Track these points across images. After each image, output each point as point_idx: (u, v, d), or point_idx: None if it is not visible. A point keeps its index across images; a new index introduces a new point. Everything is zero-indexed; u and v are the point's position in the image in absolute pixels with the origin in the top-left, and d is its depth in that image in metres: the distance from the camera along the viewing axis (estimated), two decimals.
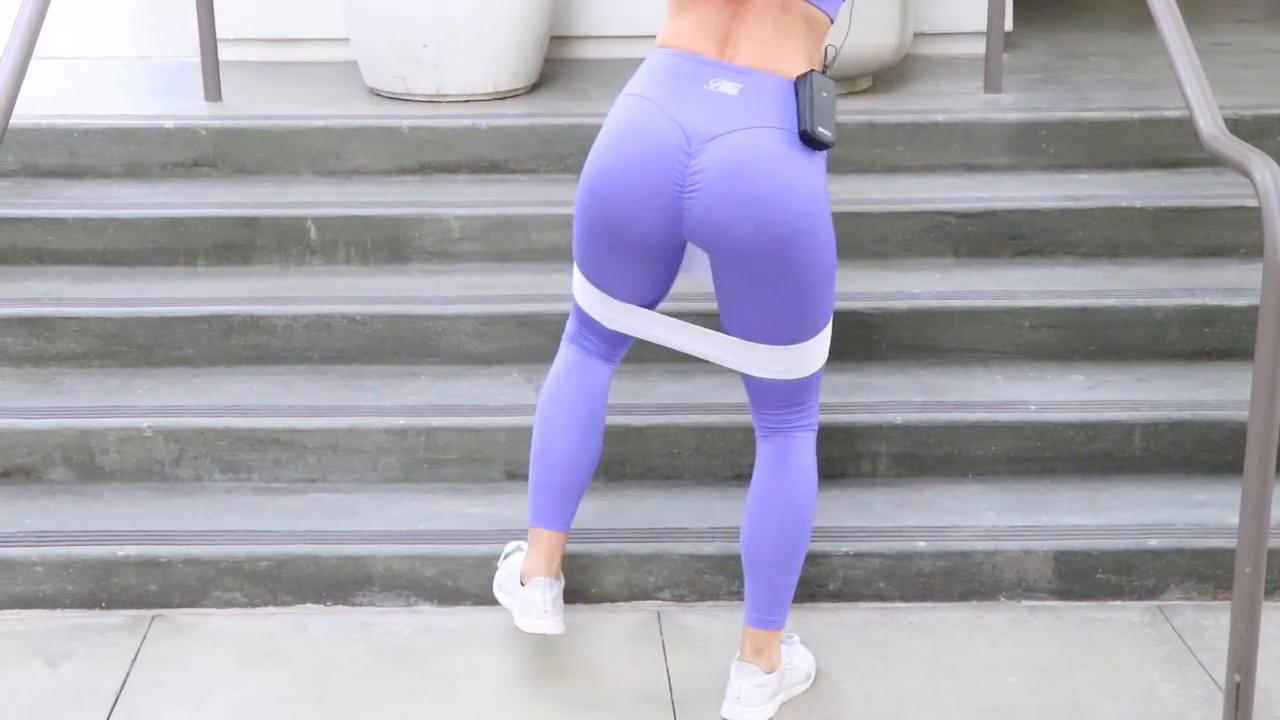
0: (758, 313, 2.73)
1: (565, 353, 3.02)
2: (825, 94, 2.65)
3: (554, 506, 2.99)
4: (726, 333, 2.81)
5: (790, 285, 2.69)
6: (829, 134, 2.63)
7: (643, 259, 2.77)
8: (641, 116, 2.68)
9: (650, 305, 2.88)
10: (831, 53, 2.77)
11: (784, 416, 2.87)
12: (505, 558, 3.16)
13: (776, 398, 2.85)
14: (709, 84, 2.65)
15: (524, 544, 3.14)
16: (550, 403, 3.00)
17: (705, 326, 2.88)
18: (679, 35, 2.72)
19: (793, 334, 2.76)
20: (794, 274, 2.68)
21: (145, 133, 4.17)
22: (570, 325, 3.02)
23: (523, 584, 2.98)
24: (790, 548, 2.89)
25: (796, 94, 2.66)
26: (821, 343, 2.81)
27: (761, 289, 2.70)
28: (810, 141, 2.63)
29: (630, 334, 2.92)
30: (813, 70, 2.67)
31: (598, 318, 2.91)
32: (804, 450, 2.88)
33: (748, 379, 2.86)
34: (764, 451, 2.90)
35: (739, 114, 2.63)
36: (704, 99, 2.64)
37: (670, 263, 2.80)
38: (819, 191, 2.67)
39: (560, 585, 3.02)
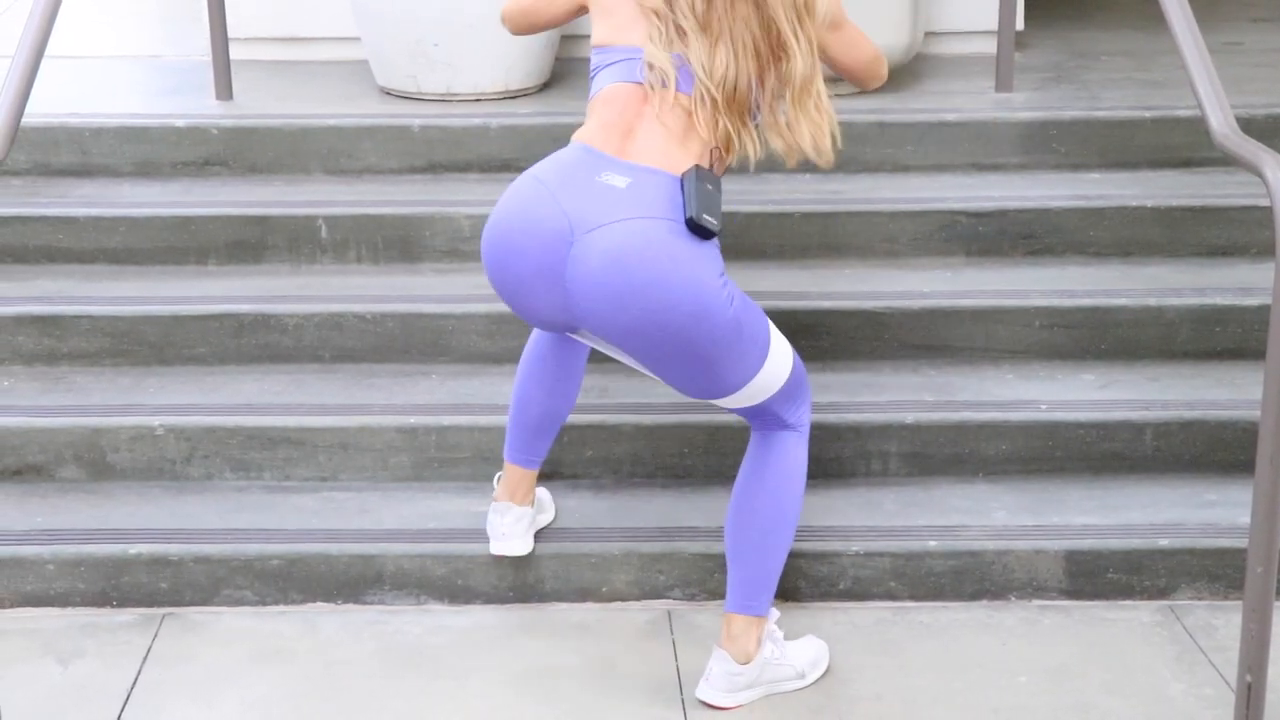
0: (675, 379, 2.81)
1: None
2: (710, 186, 2.71)
3: (524, 444, 3.18)
4: None
5: (695, 361, 2.73)
6: (713, 221, 2.68)
7: (548, 325, 2.85)
8: (532, 200, 2.73)
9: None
10: (730, 158, 2.80)
11: (759, 423, 2.93)
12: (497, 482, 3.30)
13: (744, 415, 2.92)
14: (600, 176, 2.70)
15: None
16: (530, 354, 3.16)
17: None
18: (588, 131, 2.80)
19: (712, 392, 2.82)
20: (695, 352, 2.71)
21: (156, 132, 4.18)
22: None
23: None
24: (768, 534, 2.92)
25: (682, 188, 2.71)
26: (764, 379, 2.81)
27: (666, 364, 2.76)
28: (696, 230, 2.68)
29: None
30: (696, 165, 2.72)
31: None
32: (787, 447, 2.92)
33: None
34: (751, 442, 2.96)
35: (624, 206, 2.68)
36: (593, 190, 2.70)
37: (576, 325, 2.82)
38: (707, 276, 2.68)
39: (524, 510, 3.20)
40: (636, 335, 2.70)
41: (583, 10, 2.99)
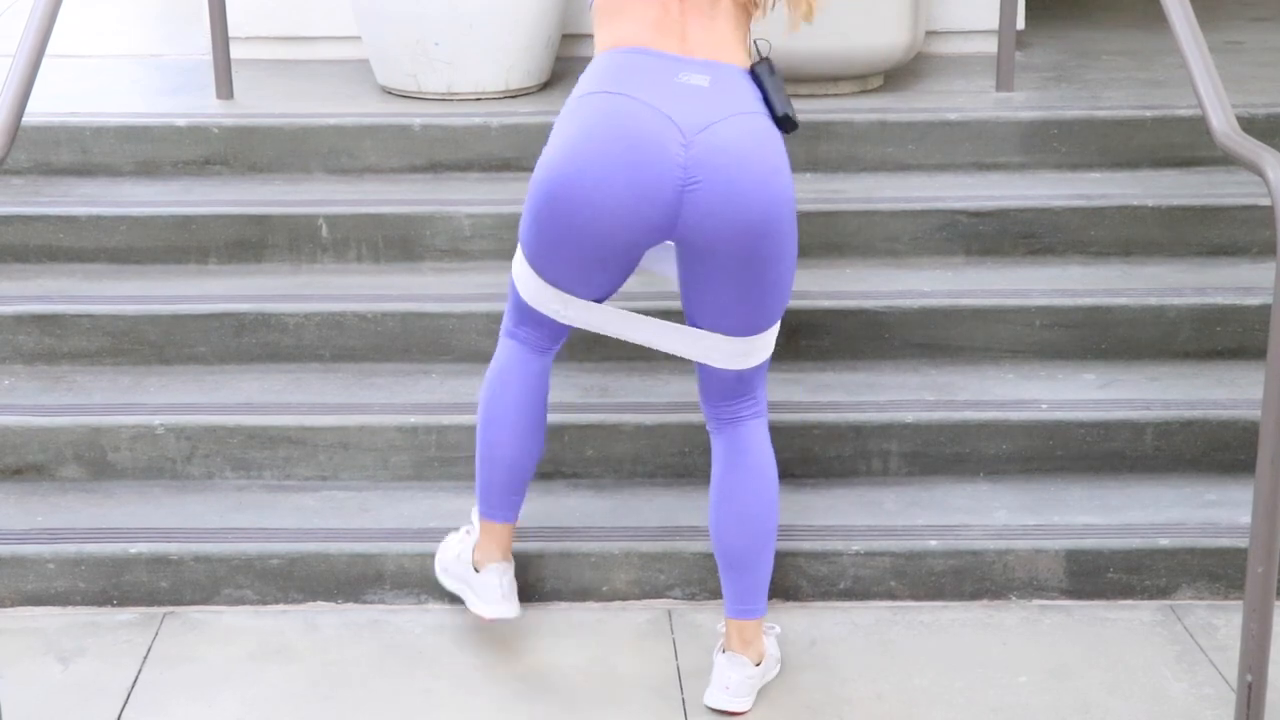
0: (728, 303, 2.77)
1: (503, 350, 3.02)
2: (778, 77, 2.73)
3: (503, 500, 3.05)
4: (689, 324, 2.84)
5: (769, 271, 2.74)
6: (794, 116, 2.72)
7: (613, 257, 2.76)
8: (624, 110, 2.65)
9: (603, 299, 2.90)
10: (764, 46, 2.79)
11: (735, 406, 2.92)
12: (444, 542, 3.18)
13: (729, 387, 2.89)
14: (679, 77, 2.67)
15: (469, 529, 3.16)
16: (491, 401, 3.01)
17: (657, 317, 2.92)
18: (631, 35, 2.72)
19: (757, 323, 2.81)
20: (774, 258, 2.73)
21: (157, 131, 4.18)
22: (508, 320, 3.01)
23: (477, 570, 3.04)
24: (763, 535, 2.93)
25: (756, 82, 2.72)
26: (775, 330, 2.87)
27: (739, 279, 2.73)
28: (783, 125, 2.70)
29: (582, 327, 2.92)
30: (765, 57, 2.74)
31: (549, 313, 2.89)
32: (757, 436, 2.92)
33: (702, 370, 2.90)
34: (718, 445, 2.95)
35: (719, 104, 2.66)
36: (680, 92, 2.66)
37: (637, 260, 2.82)
38: (790, 175, 2.75)
39: (512, 569, 3.07)
40: (741, 240, 2.67)
41: None
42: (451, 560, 3.13)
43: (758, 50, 2.78)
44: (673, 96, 2.65)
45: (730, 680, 2.91)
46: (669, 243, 2.82)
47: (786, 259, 2.76)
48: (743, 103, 2.68)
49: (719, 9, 2.73)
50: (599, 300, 2.88)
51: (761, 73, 2.73)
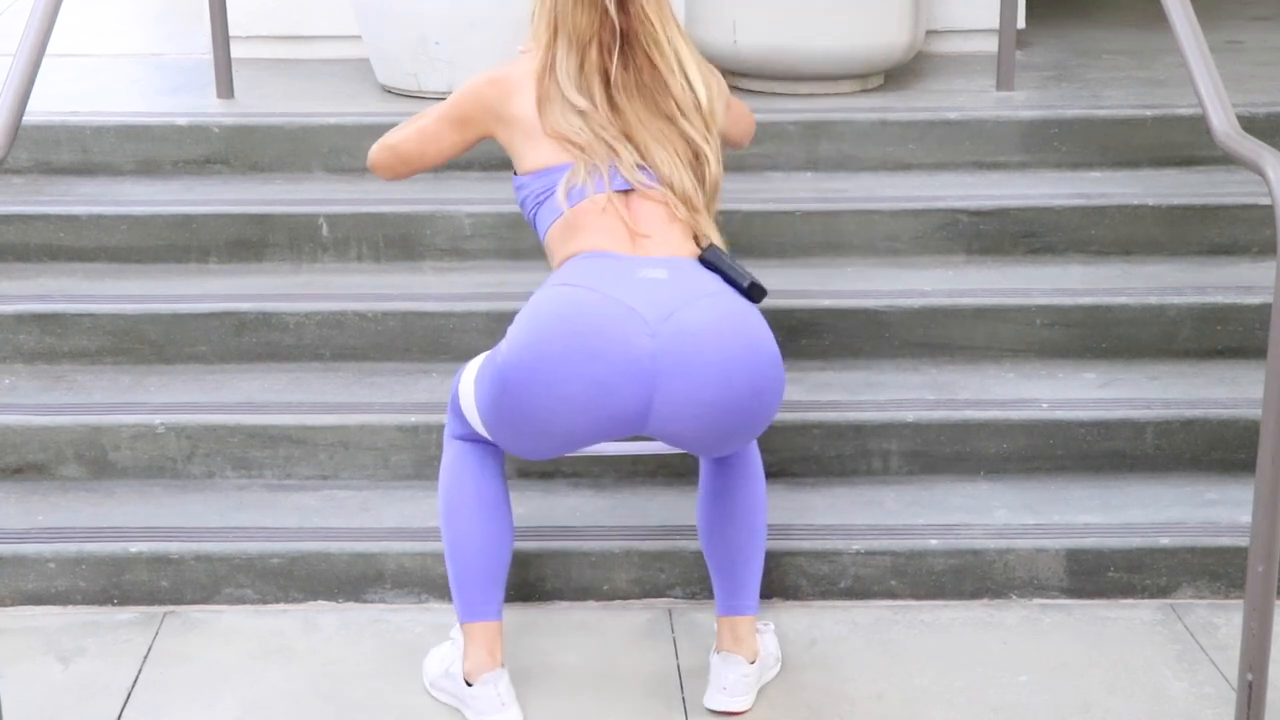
0: (719, 444, 2.77)
1: (451, 451, 2.91)
2: (731, 256, 2.75)
3: (483, 596, 2.87)
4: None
5: (754, 423, 2.72)
6: (762, 286, 2.72)
7: (571, 447, 2.74)
8: (585, 303, 2.61)
9: None
10: (704, 240, 2.79)
11: None
12: (429, 657, 3.04)
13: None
14: (638, 273, 2.66)
15: (453, 640, 3.02)
16: (450, 493, 2.89)
17: None
18: (585, 243, 2.72)
19: (746, 442, 2.83)
20: (762, 414, 2.70)
21: (157, 130, 4.18)
22: (454, 428, 2.91)
23: (469, 684, 2.86)
24: (748, 531, 2.93)
25: (708, 266, 2.73)
26: None
27: (729, 432, 2.71)
28: (753, 295, 2.71)
29: None
30: (710, 244, 2.75)
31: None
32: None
33: None
34: None
35: (681, 291, 2.65)
36: (641, 285, 2.64)
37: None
38: (773, 339, 2.72)
39: (506, 675, 2.88)
40: (726, 419, 2.65)
41: (471, 146, 2.97)
42: (439, 676, 2.95)
43: (698, 243, 2.78)
44: (633, 289, 2.62)
45: (727, 680, 2.90)
46: None
47: (766, 412, 2.72)
48: (705, 286, 2.67)
49: (666, 220, 2.75)
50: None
51: (711, 257, 2.72)
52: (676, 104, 2.78)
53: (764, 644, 3.01)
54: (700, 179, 2.78)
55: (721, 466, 2.93)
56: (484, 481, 2.88)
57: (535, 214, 2.84)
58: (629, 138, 2.76)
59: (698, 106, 2.79)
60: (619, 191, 2.74)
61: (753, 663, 2.93)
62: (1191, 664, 3.07)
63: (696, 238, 2.77)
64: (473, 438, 2.89)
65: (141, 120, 4.21)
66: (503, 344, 2.68)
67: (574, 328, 2.59)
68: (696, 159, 2.79)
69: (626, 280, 2.64)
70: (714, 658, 2.95)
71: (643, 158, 2.75)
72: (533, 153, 2.82)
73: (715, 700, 2.91)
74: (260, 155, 4.18)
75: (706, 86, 2.82)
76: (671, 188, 2.74)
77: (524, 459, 2.86)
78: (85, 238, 3.93)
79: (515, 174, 2.89)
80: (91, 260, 3.94)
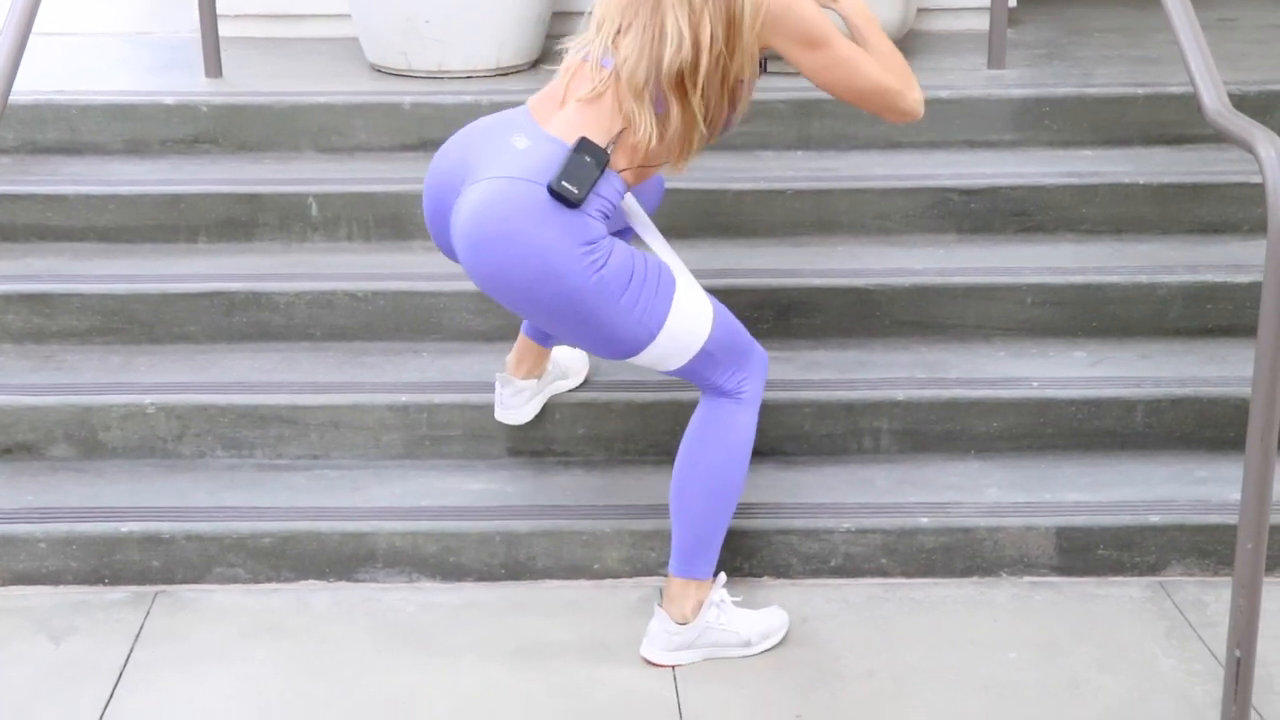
0: (560, 336, 2.95)
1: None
2: (588, 159, 2.74)
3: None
4: None
5: (559, 321, 2.81)
6: (572, 190, 2.72)
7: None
8: (451, 147, 2.91)
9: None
10: (637, 139, 2.80)
11: (703, 390, 2.95)
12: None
13: (683, 378, 2.94)
14: (511, 138, 2.80)
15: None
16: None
17: None
18: (535, 95, 2.91)
19: (610, 352, 2.86)
20: (554, 312, 2.79)
21: (145, 109, 4.17)
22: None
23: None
24: (707, 502, 2.95)
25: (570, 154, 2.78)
26: (666, 345, 2.82)
27: (537, 320, 2.88)
28: (556, 196, 2.72)
29: None
30: (583, 138, 2.75)
31: None
32: (728, 416, 2.93)
33: None
34: (700, 405, 2.98)
35: (508, 166, 2.76)
36: (497, 148, 2.80)
37: None
38: (561, 242, 2.71)
39: (526, 384, 3.35)
40: (496, 286, 2.80)
41: None
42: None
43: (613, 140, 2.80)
44: (487, 150, 2.81)
45: (651, 629, 3.00)
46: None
47: (566, 316, 2.77)
48: (526, 170, 2.74)
49: (590, 99, 2.78)
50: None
51: (575, 147, 2.74)
52: None
53: (725, 618, 3.02)
54: (692, 63, 2.72)
55: (695, 422, 2.95)
56: None
57: None
58: (636, 8, 2.76)
59: None
60: (594, 63, 2.80)
61: (680, 624, 2.97)
62: (1180, 641, 3.08)
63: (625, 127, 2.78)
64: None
65: (129, 99, 4.19)
66: None
67: (436, 166, 2.92)
68: (694, 44, 2.71)
69: (496, 139, 2.81)
70: (655, 609, 3.04)
71: (620, 37, 2.77)
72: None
73: (642, 646, 3.02)
74: (249, 134, 4.17)
75: None
76: (619, 71, 2.76)
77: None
78: (73, 217, 3.92)
79: None
80: (80, 240, 3.93)
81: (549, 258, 2.72)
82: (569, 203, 2.71)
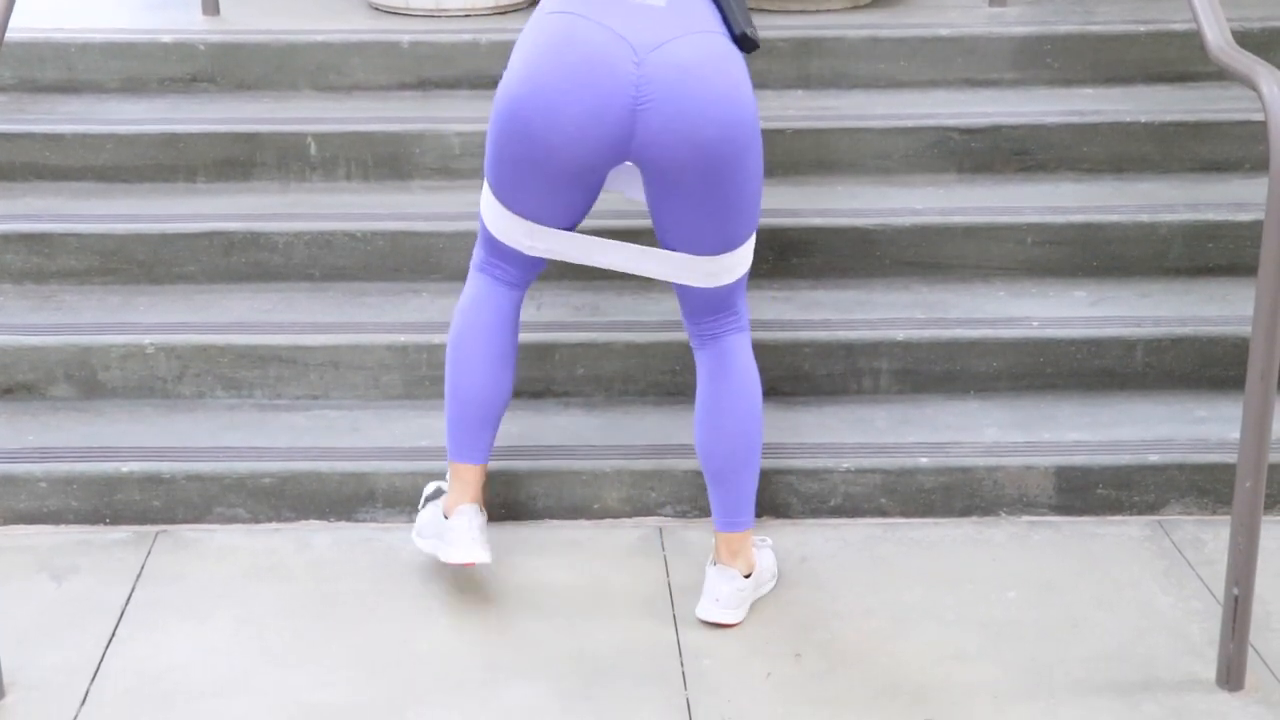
0: (695, 222, 2.76)
1: (472, 283, 2.98)
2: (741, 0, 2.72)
3: (472, 440, 2.98)
4: (659, 245, 2.84)
5: (730, 189, 2.72)
6: (757, 33, 2.69)
7: (573, 180, 2.74)
8: (577, 31, 2.64)
9: (572, 227, 2.87)
10: None
11: (716, 322, 2.92)
12: (423, 505, 3.12)
13: (708, 304, 2.89)
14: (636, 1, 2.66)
15: (442, 485, 3.11)
16: (460, 337, 2.97)
17: (629, 241, 2.89)
18: None
19: (725, 241, 2.79)
20: (734, 176, 2.70)
21: (143, 47, 4.14)
22: (478, 254, 2.98)
23: (446, 517, 2.98)
24: (747, 448, 2.94)
25: (715, 3, 2.71)
26: (749, 247, 2.85)
27: (702, 198, 2.71)
28: (743, 44, 2.68)
29: (552, 257, 2.90)
30: None
31: (516, 246, 2.87)
32: (740, 351, 2.93)
33: (680, 288, 2.89)
34: (702, 360, 2.95)
35: (675, 22, 2.65)
36: (634, 11, 2.65)
37: (599, 183, 2.79)
38: (753, 95, 2.72)
39: (484, 517, 3.01)
40: (700, 157, 2.65)
41: None
42: (426, 522, 3.08)
43: None
44: (627, 15, 2.64)
45: (720, 593, 2.93)
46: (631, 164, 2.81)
47: (749, 178, 2.73)
48: (699, 22, 2.67)
49: None
50: (566, 228, 2.85)
51: None
52: None
53: (761, 559, 3.03)
54: None
55: (717, 377, 2.92)
56: (495, 329, 2.95)
57: None
58: None
59: None
60: None
61: (747, 576, 2.95)
62: (1179, 579, 3.09)
63: None
64: (492, 264, 2.91)
65: (126, 38, 4.17)
66: (505, 73, 2.74)
67: (564, 58, 2.63)
68: None
69: (621, 4, 2.64)
70: (709, 569, 2.97)
71: None
72: None
73: (707, 611, 2.93)
74: (247, 73, 4.14)
75: None
76: None
77: (525, 217, 2.83)
78: (71, 157, 3.90)
79: None
80: (78, 179, 3.92)
81: (755, 113, 2.68)
82: (752, 47, 2.68)
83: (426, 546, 3.07)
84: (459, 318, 2.98)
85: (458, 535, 2.94)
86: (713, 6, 2.71)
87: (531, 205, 2.79)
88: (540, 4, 2.76)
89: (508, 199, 2.81)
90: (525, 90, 2.66)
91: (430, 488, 3.15)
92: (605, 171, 2.75)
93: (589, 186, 2.77)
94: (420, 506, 3.16)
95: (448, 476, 3.06)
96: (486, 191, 2.87)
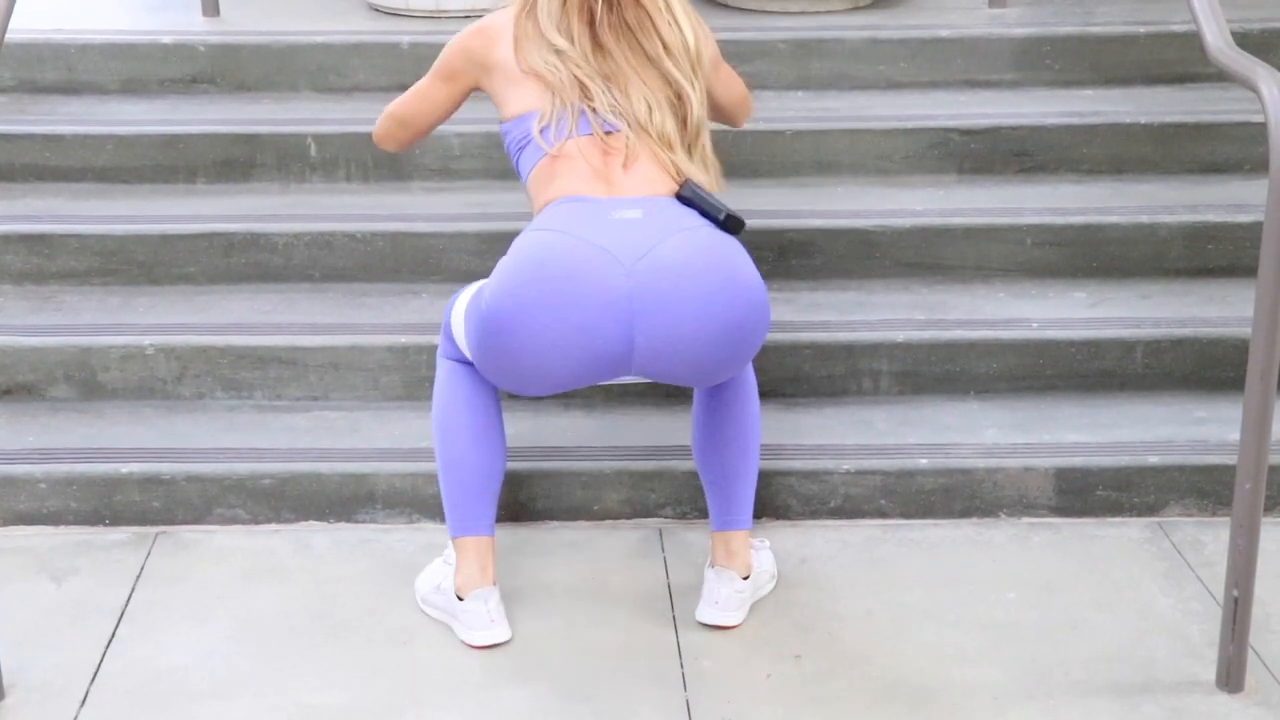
0: (702, 377, 2.79)
1: (445, 371, 2.93)
2: (706, 191, 2.75)
3: (475, 512, 2.90)
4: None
5: (739, 355, 2.72)
6: (738, 215, 2.71)
7: (564, 386, 2.74)
8: (562, 249, 2.62)
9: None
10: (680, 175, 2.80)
11: None
12: (421, 574, 3.04)
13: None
14: (612, 214, 2.66)
15: (445, 557, 3.02)
16: (444, 413, 2.92)
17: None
18: (561, 188, 2.73)
19: (733, 373, 2.81)
20: (745, 346, 2.71)
21: (143, 48, 4.15)
22: (446, 348, 2.94)
23: (460, 598, 2.88)
24: (744, 453, 2.95)
25: (685, 202, 2.73)
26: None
27: (711, 366, 2.72)
28: (730, 226, 2.70)
29: None
30: (685, 180, 2.75)
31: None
32: None
33: None
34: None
35: (656, 230, 2.65)
36: (615, 226, 2.65)
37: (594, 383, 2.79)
38: (755, 270, 2.72)
39: (498, 593, 2.90)
40: (710, 340, 2.63)
41: (464, 99, 2.99)
42: (431, 592, 2.96)
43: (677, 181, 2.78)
44: (609, 231, 2.63)
45: (719, 595, 2.93)
46: None
47: (751, 344, 2.73)
48: (680, 221, 2.67)
49: (642, 160, 2.74)
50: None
51: (687, 193, 2.73)
52: (663, 43, 2.77)
53: (759, 560, 3.03)
54: (682, 120, 2.79)
55: (715, 386, 2.93)
56: (477, 401, 2.91)
57: (518, 160, 2.86)
58: (609, 78, 2.76)
59: (685, 49, 2.79)
60: (599, 134, 2.74)
61: (746, 578, 2.95)
62: (1178, 581, 3.09)
63: (677, 176, 2.78)
64: (466, 359, 2.90)
65: (126, 39, 4.17)
66: (486, 286, 2.70)
67: (548, 273, 2.60)
68: (679, 100, 2.79)
69: (600, 222, 2.65)
70: (708, 572, 2.97)
71: (622, 98, 2.75)
72: (515, 98, 2.83)
73: (707, 614, 2.93)
74: (247, 74, 4.15)
75: (694, 31, 2.81)
76: (647, 129, 2.74)
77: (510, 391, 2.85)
78: (71, 157, 3.91)
79: (501, 122, 2.89)
80: (78, 180, 3.92)
81: (762, 287, 2.69)
82: (739, 228, 2.71)
83: (435, 615, 2.97)
84: (439, 396, 2.93)
85: (476, 619, 2.86)
86: (687, 208, 2.72)
87: (516, 389, 2.81)
88: (528, 225, 2.76)
89: (493, 380, 2.80)
90: (509, 305, 2.62)
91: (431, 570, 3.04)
92: (603, 381, 2.75)
93: (581, 386, 2.78)
94: (420, 577, 3.04)
95: (446, 555, 3.00)
96: (463, 335, 2.82)
